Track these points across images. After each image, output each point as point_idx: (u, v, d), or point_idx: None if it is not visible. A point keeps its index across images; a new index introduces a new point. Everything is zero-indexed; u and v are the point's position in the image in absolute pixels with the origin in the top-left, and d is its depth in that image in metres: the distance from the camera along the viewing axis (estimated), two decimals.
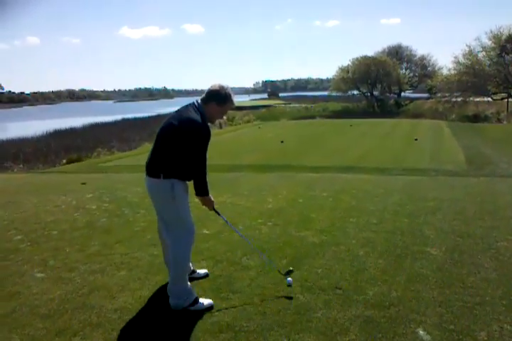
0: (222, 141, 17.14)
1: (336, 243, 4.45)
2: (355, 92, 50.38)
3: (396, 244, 4.39)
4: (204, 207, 3.51)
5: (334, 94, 52.33)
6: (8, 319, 3.13)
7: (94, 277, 3.82)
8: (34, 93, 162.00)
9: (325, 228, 4.95)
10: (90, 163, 13.44)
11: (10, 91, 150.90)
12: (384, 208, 5.76)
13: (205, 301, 3.19)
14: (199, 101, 3.22)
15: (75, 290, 3.57)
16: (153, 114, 46.01)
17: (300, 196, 6.64)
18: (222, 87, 3.17)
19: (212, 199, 3.45)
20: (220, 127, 27.46)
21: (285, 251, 4.25)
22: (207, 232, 4.95)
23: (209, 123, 3.21)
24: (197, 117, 3.08)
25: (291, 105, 54.23)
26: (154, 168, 3.17)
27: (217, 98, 3.17)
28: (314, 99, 62.08)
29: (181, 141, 3.05)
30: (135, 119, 39.10)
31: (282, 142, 15.43)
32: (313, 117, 34.61)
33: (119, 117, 40.85)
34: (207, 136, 3.11)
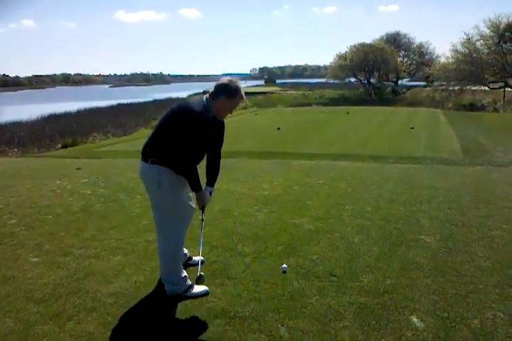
0: None
1: (331, 230, 4.46)
2: (353, 80, 50.25)
3: (391, 232, 4.41)
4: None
5: (331, 81, 52.12)
6: (2, 303, 3.13)
7: (89, 262, 3.82)
8: (29, 77, 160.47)
9: (320, 215, 4.95)
10: (85, 148, 13.36)
11: (4, 74, 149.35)
12: (379, 196, 5.77)
13: (200, 287, 3.19)
14: (208, 96, 3.13)
15: (70, 274, 3.57)
16: (149, 99, 45.71)
17: (296, 183, 6.64)
18: (231, 81, 3.10)
19: (208, 196, 3.38)
20: None
21: (280, 238, 4.26)
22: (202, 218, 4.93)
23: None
24: (197, 107, 3.00)
25: (288, 92, 53.91)
26: (146, 153, 3.14)
27: (226, 92, 3.08)
28: (311, 86, 61.71)
29: (174, 128, 3.01)
30: (131, 104, 38.80)
31: (279, 129, 15.37)
32: (310, 104, 34.46)
33: (114, 102, 40.50)
34: (201, 128, 3.00)
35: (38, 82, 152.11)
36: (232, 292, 3.20)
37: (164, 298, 3.15)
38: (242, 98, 3.17)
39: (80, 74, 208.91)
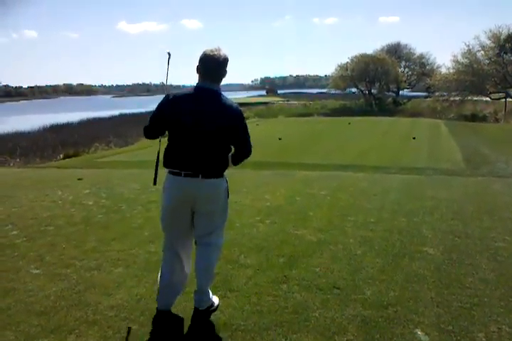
0: None
1: (334, 242, 4.44)
2: (354, 90, 50.44)
3: (394, 244, 4.38)
4: None
5: (332, 91, 52.37)
6: (3, 315, 3.10)
7: (90, 274, 3.79)
8: (31, 87, 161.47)
9: (322, 226, 4.93)
10: (87, 158, 13.40)
11: (7, 85, 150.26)
12: (382, 207, 5.75)
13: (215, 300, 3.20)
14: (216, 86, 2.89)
15: (71, 286, 3.55)
16: (151, 109, 45.81)
17: (298, 194, 6.63)
18: (218, 49, 2.87)
19: None
20: None
21: (283, 250, 4.23)
22: None
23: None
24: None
25: (290, 102, 54.17)
26: (210, 169, 2.88)
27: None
28: (312, 97, 62.06)
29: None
30: (133, 115, 38.96)
31: (280, 139, 15.41)
32: (311, 115, 34.60)
33: (116, 112, 40.74)
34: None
35: (40, 92, 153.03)
36: (234, 305, 3.17)
37: (165, 311, 3.12)
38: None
39: (82, 84, 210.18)
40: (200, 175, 2.83)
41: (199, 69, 2.85)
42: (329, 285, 3.45)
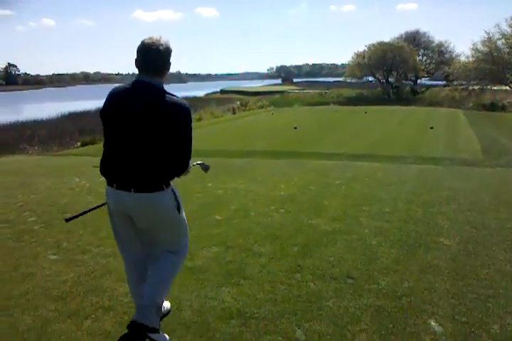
0: (235, 127, 17.10)
1: (348, 231, 4.42)
2: (371, 79, 49.86)
3: (409, 234, 4.35)
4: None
5: (349, 80, 51.80)
6: (21, 300, 3.17)
7: (106, 260, 3.85)
8: (50, 75, 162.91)
9: (337, 216, 4.91)
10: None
11: (26, 73, 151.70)
12: (397, 197, 5.70)
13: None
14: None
15: (88, 272, 3.61)
16: None
17: (312, 183, 6.60)
18: (159, 38, 2.42)
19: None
20: (234, 112, 27.40)
21: (297, 239, 4.23)
22: (218, 218, 4.95)
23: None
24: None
25: (305, 91, 53.79)
26: (150, 180, 2.45)
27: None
28: (328, 85, 61.50)
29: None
30: None
31: (295, 128, 15.33)
32: (327, 104, 34.30)
33: None
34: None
35: (58, 81, 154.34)
36: (247, 293, 3.19)
37: (180, 297, 3.15)
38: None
39: (99, 72, 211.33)
40: (133, 189, 2.41)
41: (137, 62, 2.40)
42: (343, 275, 3.45)
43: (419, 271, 3.52)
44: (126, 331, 2.70)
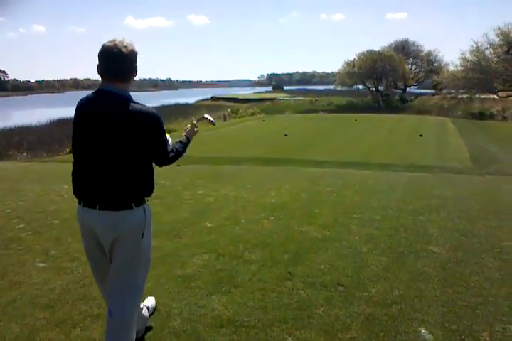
0: (226, 134, 17.10)
1: (339, 239, 4.43)
2: (361, 87, 50.23)
3: (399, 242, 4.36)
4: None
5: (339, 88, 52.16)
6: (8, 308, 3.12)
7: None
8: (39, 81, 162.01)
9: (328, 223, 4.92)
10: None
11: (15, 79, 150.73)
12: (387, 205, 5.73)
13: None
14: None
15: (76, 280, 3.56)
16: (157, 104, 45.91)
17: (303, 190, 6.61)
18: (122, 41, 2.21)
19: (190, 131, 2.72)
20: (224, 119, 27.43)
21: (287, 246, 4.22)
22: (209, 225, 4.93)
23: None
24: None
25: (296, 98, 54.05)
26: (118, 197, 2.26)
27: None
28: (319, 93, 61.85)
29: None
30: None
31: (286, 135, 15.38)
32: (317, 111, 34.49)
33: None
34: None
35: (48, 87, 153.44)
36: (238, 301, 3.17)
37: (169, 306, 3.13)
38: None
39: (89, 79, 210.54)
40: (98, 206, 2.25)
41: (98, 68, 2.22)
42: (333, 283, 3.45)
43: (410, 279, 3.53)
44: None
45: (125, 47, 2.17)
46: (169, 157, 2.40)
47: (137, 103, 2.24)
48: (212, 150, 12.26)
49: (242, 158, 10.61)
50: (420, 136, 15.12)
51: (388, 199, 6.00)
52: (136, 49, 2.26)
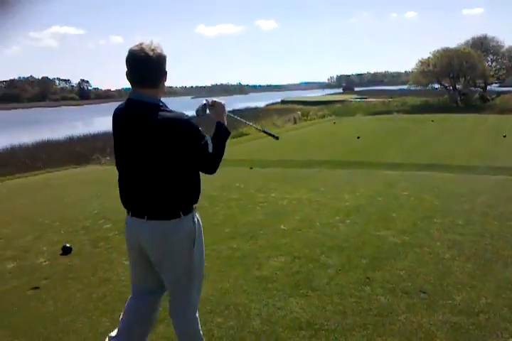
0: (297, 137, 17.10)
1: (419, 244, 4.27)
2: (436, 86, 48.11)
3: (485, 248, 4.13)
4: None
5: (413, 88, 50.33)
6: (99, 303, 3.33)
7: None
8: (119, 90, 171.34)
9: (406, 228, 4.76)
10: None
11: (97, 88, 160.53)
12: (471, 209, 5.44)
13: None
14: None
15: None
16: (229, 109, 46.85)
17: (379, 194, 6.45)
18: (151, 46, 2.12)
19: (217, 109, 2.39)
20: (295, 122, 27.44)
21: (365, 251, 4.15)
22: (284, 228, 4.96)
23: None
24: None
25: (367, 100, 52.87)
26: (164, 206, 2.19)
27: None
28: (392, 94, 60.05)
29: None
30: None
31: (358, 138, 15.08)
32: (390, 112, 33.48)
33: (195, 113, 42.03)
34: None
35: (127, 94, 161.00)
36: (316, 304, 3.16)
37: (248, 305, 3.18)
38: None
39: (165, 86, 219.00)
40: (146, 216, 2.19)
41: (126, 74, 2.16)
42: (415, 289, 3.34)
43: (497, 287, 3.33)
44: None
45: (152, 50, 2.07)
46: (211, 161, 2.20)
47: (167, 110, 2.15)
48: (284, 153, 12.29)
49: (314, 160, 10.55)
50: (504, 136, 14.20)
51: (472, 203, 5.70)
52: (164, 52, 2.14)
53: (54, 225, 5.57)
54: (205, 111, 2.37)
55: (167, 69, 2.18)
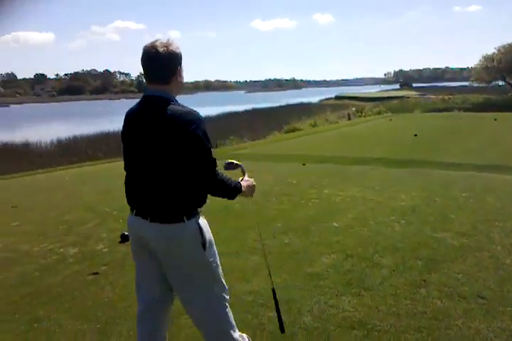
0: (351, 133, 16.84)
1: (479, 248, 4.10)
2: (500, 83, 45.83)
3: None
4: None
5: (475, 84, 48.22)
6: None
7: (229, 259, 4.01)
8: None
9: (465, 231, 4.58)
10: (223, 151, 14.15)
11: None
12: None
13: None
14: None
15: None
16: (282, 104, 46.88)
17: (436, 194, 6.23)
18: (164, 42, 2.11)
19: (248, 181, 2.37)
20: (349, 118, 27.02)
21: (420, 252, 4.04)
22: (336, 225, 4.91)
23: None
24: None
25: (426, 96, 51.13)
26: (167, 209, 2.12)
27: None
28: (452, 90, 57.78)
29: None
30: (264, 109, 40.22)
31: (416, 135, 14.61)
32: (450, 110, 32.20)
33: (249, 107, 42.38)
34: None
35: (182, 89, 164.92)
36: (369, 304, 3.12)
37: (301, 301, 3.19)
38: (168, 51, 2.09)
39: (219, 80, 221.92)
40: (149, 218, 2.12)
41: (143, 72, 2.17)
42: (473, 294, 3.22)
43: None
44: (249, 329, 2.81)
45: (164, 47, 2.07)
46: (216, 175, 2.09)
47: (178, 105, 2.10)
48: (337, 149, 12.14)
49: (369, 158, 10.34)
50: None
51: None
52: (178, 49, 2.12)
53: (113, 213, 5.80)
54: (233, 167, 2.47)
55: (183, 66, 2.18)
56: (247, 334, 2.64)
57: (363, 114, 29.92)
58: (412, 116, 25.66)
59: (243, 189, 2.26)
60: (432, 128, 17.35)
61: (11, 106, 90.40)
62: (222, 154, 12.89)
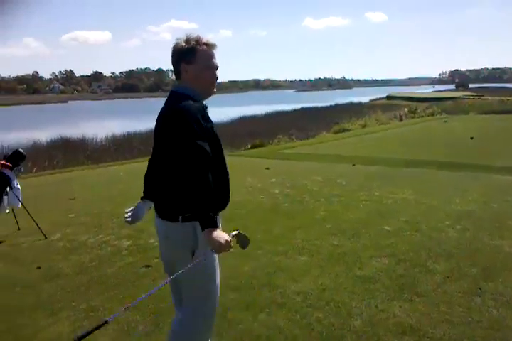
0: (402, 134, 16.42)
1: None
2: None
3: None
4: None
5: None
6: None
7: (278, 258, 4.05)
8: (225, 82, 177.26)
9: None
10: (272, 149, 14.18)
11: None
12: None
13: None
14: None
15: (261, 267, 3.84)
16: (331, 103, 46.31)
17: (493, 200, 5.98)
18: (178, 39, 2.12)
19: (226, 236, 2.02)
20: (401, 119, 26.36)
21: (476, 259, 3.89)
22: (387, 228, 4.82)
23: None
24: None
25: (483, 97, 49.03)
26: (168, 207, 2.13)
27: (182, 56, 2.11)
28: (511, 92, 55.07)
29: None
30: (313, 108, 39.91)
31: (472, 138, 14.05)
32: (510, 112, 30.71)
33: (298, 106, 42.18)
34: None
35: (232, 87, 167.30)
36: (421, 310, 3.04)
37: (350, 304, 3.15)
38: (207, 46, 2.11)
39: (269, 79, 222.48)
40: (156, 214, 2.20)
41: None
42: None
43: None
44: (297, 329, 2.81)
45: (177, 43, 2.10)
46: (202, 175, 1.89)
47: (187, 100, 2.03)
48: (388, 151, 11.87)
49: (421, 160, 10.04)
50: None
51: None
52: (186, 45, 2.08)
53: None
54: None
55: (221, 63, 2.19)
56: (294, 333, 2.66)
57: (416, 115, 29.08)
58: (467, 118, 24.70)
59: (215, 231, 1.92)
60: (490, 131, 16.63)
61: (69, 102, 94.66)
62: (271, 152, 12.94)
